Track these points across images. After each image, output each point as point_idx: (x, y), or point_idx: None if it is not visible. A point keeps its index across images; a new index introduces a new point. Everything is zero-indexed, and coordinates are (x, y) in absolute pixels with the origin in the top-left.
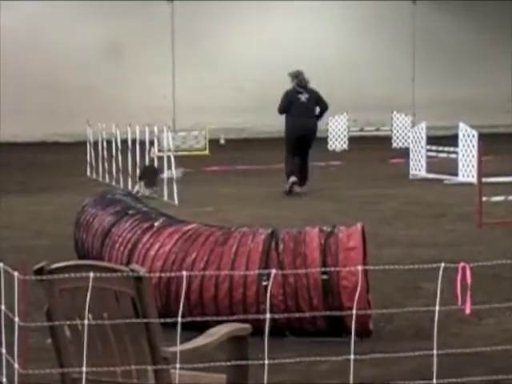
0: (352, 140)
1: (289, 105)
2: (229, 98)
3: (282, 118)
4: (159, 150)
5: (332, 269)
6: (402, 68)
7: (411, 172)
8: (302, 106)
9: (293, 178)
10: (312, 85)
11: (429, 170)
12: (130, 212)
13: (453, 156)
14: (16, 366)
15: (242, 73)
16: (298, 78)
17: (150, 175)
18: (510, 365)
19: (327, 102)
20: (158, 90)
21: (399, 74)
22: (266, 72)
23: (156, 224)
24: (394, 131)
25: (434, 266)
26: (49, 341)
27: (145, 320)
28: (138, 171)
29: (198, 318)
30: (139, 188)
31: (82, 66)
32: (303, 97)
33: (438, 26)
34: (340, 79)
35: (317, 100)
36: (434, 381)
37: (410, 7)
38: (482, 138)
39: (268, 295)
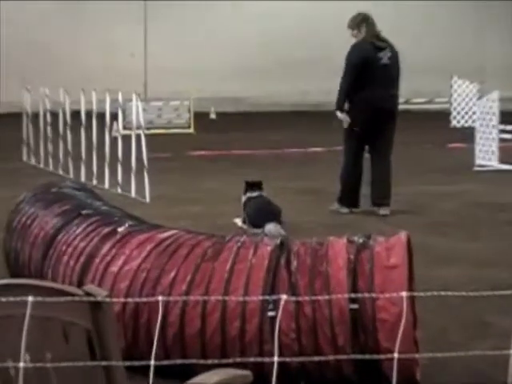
0: None
1: (365, 69)
2: (222, 58)
3: (299, 85)
4: (125, 127)
5: (365, 295)
6: (466, 21)
7: (477, 161)
8: (385, 71)
9: (346, 210)
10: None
11: (502, 160)
12: (84, 212)
13: None
14: None
15: (239, 23)
16: (367, 23)
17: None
18: None
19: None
20: (123, 45)
21: (461, 29)
22: (275, 23)
23: (120, 229)
24: (454, 104)
25: (508, 293)
26: None
27: (104, 363)
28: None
29: (179, 361)
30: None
31: (24, 13)
32: (386, 56)
33: None
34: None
35: (399, 63)
36: None
37: None
38: None
39: (276, 331)
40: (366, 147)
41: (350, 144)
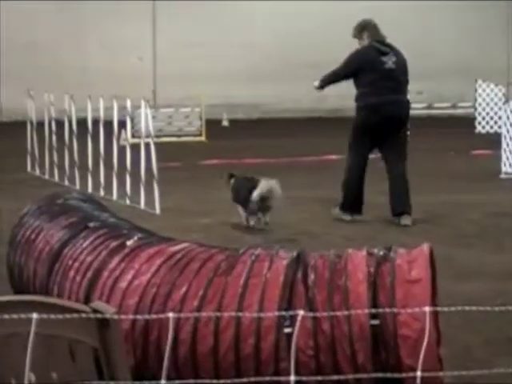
0: (417, 121)
1: (368, 73)
2: (235, 61)
3: (314, 92)
4: (133, 135)
5: (386, 310)
6: (491, 18)
7: (504, 169)
8: (391, 76)
9: (349, 217)
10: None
11: None
12: (91, 225)
13: None
14: None
15: (253, 24)
16: (368, 30)
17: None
18: None
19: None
20: (130, 47)
21: (486, 28)
22: (287, 28)
23: (129, 243)
24: (479, 109)
25: None
26: None
27: (112, 383)
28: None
29: (191, 382)
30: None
31: (25, 15)
32: (390, 60)
33: None
34: (403, 37)
35: (406, 68)
36: None
37: None
38: None
39: (292, 348)
40: (375, 152)
41: (355, 148)
